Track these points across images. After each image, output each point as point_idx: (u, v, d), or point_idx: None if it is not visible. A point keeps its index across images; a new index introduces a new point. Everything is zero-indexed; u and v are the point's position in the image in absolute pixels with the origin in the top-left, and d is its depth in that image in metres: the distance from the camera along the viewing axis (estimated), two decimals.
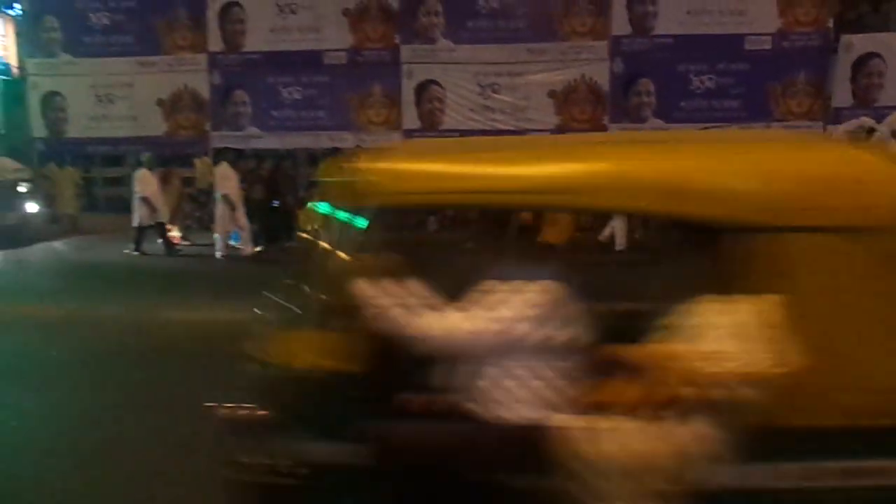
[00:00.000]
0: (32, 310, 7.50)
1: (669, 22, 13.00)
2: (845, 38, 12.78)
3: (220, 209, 11.07)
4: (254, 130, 14.00)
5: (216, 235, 11.19)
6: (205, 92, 14.16)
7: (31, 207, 13.11)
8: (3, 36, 15.14)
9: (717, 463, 1.85)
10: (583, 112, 13.30)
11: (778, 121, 12.95)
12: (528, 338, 2.04)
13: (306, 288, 2.29)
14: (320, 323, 2.20)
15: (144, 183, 11.31)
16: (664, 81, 13.12)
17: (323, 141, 13.85)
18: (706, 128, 12.93)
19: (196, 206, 13.52)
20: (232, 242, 11.26)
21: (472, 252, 2.54)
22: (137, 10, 14.14)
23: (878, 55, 12.74)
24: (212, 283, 9.08)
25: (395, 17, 13.50)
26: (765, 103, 12.98)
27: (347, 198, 2.18)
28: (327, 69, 13.70)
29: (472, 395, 2.12)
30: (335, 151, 12.20)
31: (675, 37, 13.03)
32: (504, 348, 2.05)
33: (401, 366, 2.18)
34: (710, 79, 13.11)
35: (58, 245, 12.56)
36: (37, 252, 11.96)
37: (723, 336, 1.81)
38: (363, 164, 2.19)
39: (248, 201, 11.34)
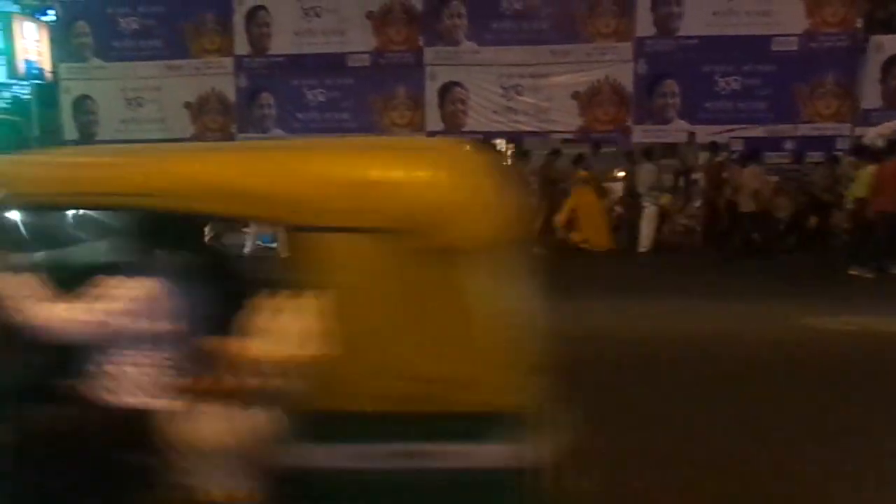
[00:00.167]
0: None
1: (694, 23, 12.92)
2: (875, 38, 12.58)
3: None
4: (278, 132, 14.15)
5: (247, 233, 11.24)
6: (231, 94, 14.37)
7: None
8: (37, 41, 15.50)
9: (282, 444, 2.04)
10: (606, 113, 13.26)
11: (805, 122, 12.79)
12: (134, 329, 2.28)
13: None
14: None
15: None
16: (689, 83, 13.02)
17: None
18: (731, 129, 12.94)
19: None
20: (261, 242, 11.35)
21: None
22: (166, 14, 14.40)
23: None
24: None
25: (419, 19, 13.59)
26: (792, 105, 12.82)
27: None
28: (351, 71, 13.83)
29: (94, 381, 2.36)
30: None
31: (700, 38, 12.93)
32: (113, 338, 2.29)
33: (35, 354, 2.41)
34: (736, 80, 12.98)
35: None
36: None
37: (277, 330, 2.07)
38: None
39: None
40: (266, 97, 14.24)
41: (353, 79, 13.86)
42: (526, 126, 13.45)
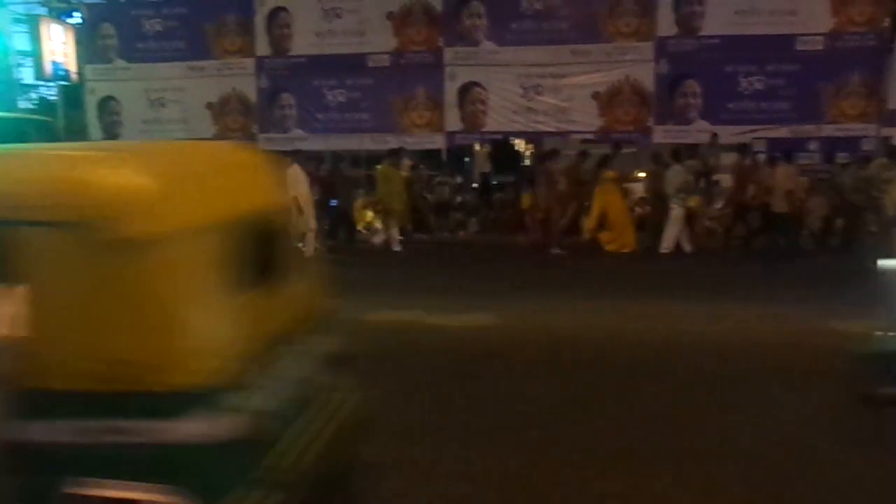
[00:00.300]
0: None
1: (717, 22, 12.76)
2: None
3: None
4: (299, 133, 14.23)
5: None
6: (252, 95, 14.47)
7: None
8: (64, 43, 15.70)
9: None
10: (627, 114, 13.14)
11: (830, 123, 12.58)
12: None
13: None
14: None
15: None
16: (711, 83, 12.87)
17: (366, 143, 14.03)
18: (754, 130, 12.76)
19: None
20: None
21: None
22: (188, 16, 14.54)
23: None
24: None
25: (439, 19, 13.57)
26: (816, 105, 12.61)
27: None
28: (371, 72, 13.85)
29: None
30: (397, 153, 12.29)
31: (722, 37, 12.77)
32: None
33: None
34: (760, 80, 12.80)
35: None
36: None
37: None
38: None
39: None
40: (287, 98, 14.31)
41: (373, 79, 13.88)
42: (546, 126, 13.38)
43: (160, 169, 2.50)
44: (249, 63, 14.37)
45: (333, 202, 12.06)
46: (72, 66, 15.72)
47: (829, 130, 12.61)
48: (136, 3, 15.05)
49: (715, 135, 12.57)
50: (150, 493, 2.19)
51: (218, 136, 14.54)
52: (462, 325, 6.98)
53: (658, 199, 12.06)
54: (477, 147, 14.96)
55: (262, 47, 14.27)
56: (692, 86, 12.97)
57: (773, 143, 12.54)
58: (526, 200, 12.73)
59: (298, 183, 11.04)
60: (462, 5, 13.46)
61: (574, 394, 5.14)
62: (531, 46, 13.22)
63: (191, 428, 2.22)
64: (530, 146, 13.98)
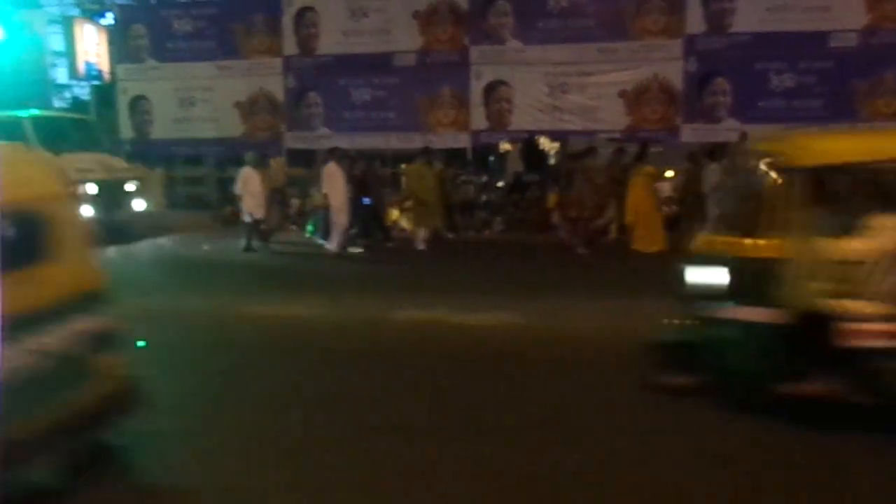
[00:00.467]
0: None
1: (748, 19, 12.61)
2: None
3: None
4: (325, 131, 14.31)
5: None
6: (280, 94, 14.61)
7: (139, 205, 12.97)
8: (97, 44, 15.99)
9: None
10: (654, 112, 13.03)
11: (864, 121, 12.32)
12: None
13: None
14: None
15: (247, 181, 11.34)
16: (741, 80, 12.71)
17: (392, 142, 14.07)
18: (784, 129, 12.53)
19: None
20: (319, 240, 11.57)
21: None
22: (218, 16, 14.73)
23: None
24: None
25: (465, 18, 13.58)
26: (849, 103, 12.40)
27: None
28: (397, 71, 13.90)
29: None
30: (428, 151, 12.32)
31: (753, 34, 12.61)
32: None
33: None
34: (791, 78, 12.62)
35: (164, 241, 12.48)
36: (148, 248, 11.98)
37: None
38: None
39: None
40: (314, 97, 14.42)
41: (399, 78, 13.93)
42: (572, 125, 13.32)
43: None
44: (277, 62, 14.50)
45: (366, 200, 12.08)
46: (104, 65, 16.01)
47: (862, 129, 12.35)
48: (166, 4, 15.30)
49: (745, 133, 12.37)
50: None
51: (246, 135, 14.71)
52: (485, 324, 6.96)
53: (695, 199, 11.83)
54: (507, 146, 14.89)
55: (290, 47, 14.39)
56: (721, 84, 12.82)
57: None
58: (552, 199, 12.63)
59: (334, 180, 11.10)
60: (488, 4, 13.45)
61: (590, 393, 5.10)
62: (557, 45, 13.17)
63: None
64: (555, 145, 13.87)
